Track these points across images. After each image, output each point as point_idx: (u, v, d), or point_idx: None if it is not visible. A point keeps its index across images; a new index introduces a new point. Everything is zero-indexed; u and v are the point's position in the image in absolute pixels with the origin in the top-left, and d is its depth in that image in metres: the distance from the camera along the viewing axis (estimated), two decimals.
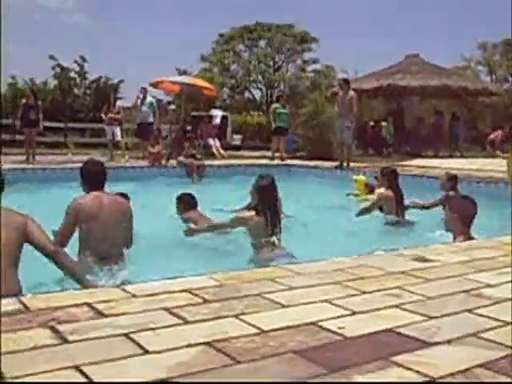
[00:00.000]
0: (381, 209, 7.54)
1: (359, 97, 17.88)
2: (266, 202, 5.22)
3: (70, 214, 4.56)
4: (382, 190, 7.83)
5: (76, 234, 4.65)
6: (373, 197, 8.84)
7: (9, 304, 2.54)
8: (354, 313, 2.52)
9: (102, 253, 4.52)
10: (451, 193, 7.56)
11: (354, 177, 10.37)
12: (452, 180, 7.89)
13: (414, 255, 3.74)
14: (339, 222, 7.45)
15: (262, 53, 35.83)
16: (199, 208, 6.75)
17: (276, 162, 15.16)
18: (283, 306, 2.60)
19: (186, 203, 6.71)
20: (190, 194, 6.88)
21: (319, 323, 2.37)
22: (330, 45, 51.08)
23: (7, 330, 2.22)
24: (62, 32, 52.93)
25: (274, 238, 5.19)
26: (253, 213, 5.23)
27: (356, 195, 9.81)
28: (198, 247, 5.96)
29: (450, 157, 18.93)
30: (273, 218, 5.19)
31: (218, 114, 21.28)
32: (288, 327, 2.31)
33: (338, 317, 2.46)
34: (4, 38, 35.60)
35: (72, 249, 4.55)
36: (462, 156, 19.22)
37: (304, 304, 2.64)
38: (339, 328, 2.31)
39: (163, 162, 13.89)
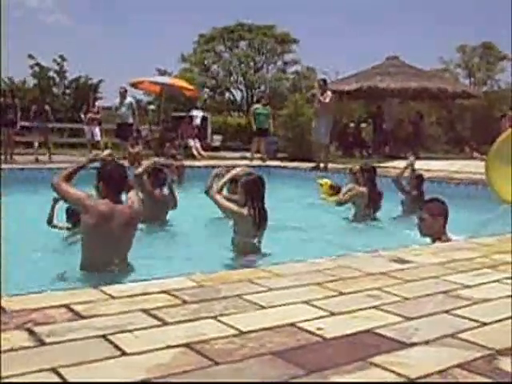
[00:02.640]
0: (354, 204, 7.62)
1: (340, 98, 17.97)
2: (253, 199, 5.16)
3: (84, 194, 4.43)
4: (352, 185, 7.91)
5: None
6: (332, 199, 8.90)
7: None
8: (332, 314, 2.53)
9: (105, 260, 4.40)
10: (414, 193, 7.70)
11: (319, 181, 10.34)
12: (417, 178, 8.03)
13: (392, 256, 3.76)
14: (315, 223, 7.49)
15: (243, 53, 35.86)
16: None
17: (256, 163, 15.16)
18: (262, 308, 2.59)
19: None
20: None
21: (298, 324, 2.37)
22: (311, 46, 51.23)
23: None
24: (41, 31, 52.50)
25: (256, 241, 5.17)
26: (245, 210, 5.16)
27: (323, 198, 9.80)
28: (175, 247, 5.95)
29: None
30: (259, 218, 5.15)
31: (198, 114, 21.25)
32: (267, 328, 2.31)
33: (317, 318, 2.46)
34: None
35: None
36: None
37: (283, 305, 2.64)
38: (318, 329, 2.31)
39: (142, 162, 13.82)
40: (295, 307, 2.62)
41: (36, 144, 14.90)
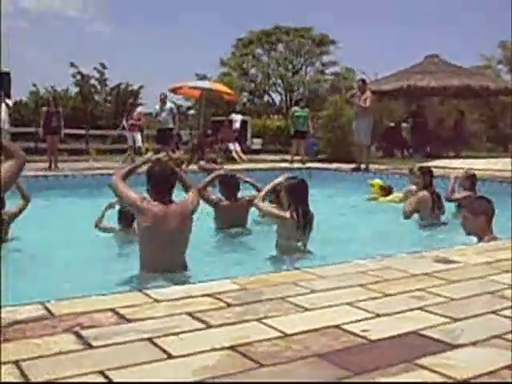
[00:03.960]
0: (417, 211, 7.40)
1: (379, 98, 17.82)
2: (296, 202, 5.16)
3: (139, 196, 4.44)
4: (412, 187, 7.75)
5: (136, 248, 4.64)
6: (393, 197, 8.80)
7: (33, 310, 2.57)
8: (377, 315, 2.51)
9: (165, 263, 4.40)
10: (469, 194, 7.45)
11: (370, 181, 10.32)
12: (471, 178, 7.75)
13: (436, 257, 3.72)
14: (359, 225, 7.42)
15: (281, 56, 35.86)
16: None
17: (296, 165, 15.14)
18: (306, 310, 2.59)
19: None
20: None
21: (343, 326, 2.36)
22: (349, 47, 50.94)
23: (32, 335, 2.24)
24: (82, 40, 53.39)
25: (300, 244, 5.16)
26: (288, 214, 5.17)
27: (374, 199, 9.75)
28: (219, 251, 5.97)
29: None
30: (302, 222, 5.14)
31: (237, 118, 21.33)
32: (311, 330, 2.31)
33: (362, 320, 2.45)
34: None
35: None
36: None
37: (327, 307, 2.63)
38: (363, 331, 2.30)
39: (183, 167, 13.93)
40: (339, 309, 2.61)
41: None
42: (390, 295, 2.83)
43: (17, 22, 55.25)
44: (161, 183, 4.54)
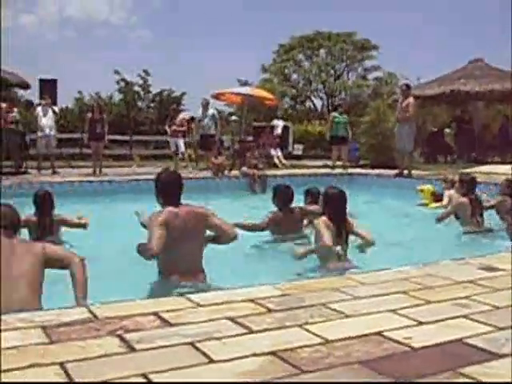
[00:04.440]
0: (457, 217, 7.36)
1: (422, 103, 17.60)
2: (333, 210, 5.19)
3: (157, 219, 4.37)
4: (451, 192, 7.70)
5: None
6: (441, 204, 8.72)
7: (78, 312, 2.62)
8: (420, 323, 2.49)
9: (183, 268, 4.38)
10: (503, 198, 7.37)
11: (420, 186, 10.21)
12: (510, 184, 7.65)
13: (481, 264, 3.66)
14: (400, 231, 7.35)
15: (323, 62, 35.78)
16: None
17: (338, 170, 15.07)
18: (348, 316, 2.58)
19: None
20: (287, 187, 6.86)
21: (385, 333, 2.34)
22: (392, 52, 50.47)
23: (77, 337, 2.28)
24: (126, 47, 54.14)
25: (338, 248, 5.15)
26: (325, 218, 5.17)
27: (425, 205, 9.64)
28: (260, 257, 5.98)
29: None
30: (339, 229, 5.14)
31: (279, 124, 21.35)
32: (353, 337, 2.30)
33: (404, 327, 2.43)
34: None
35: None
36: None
37: (369, 314, 2.62)
38: (405, 338, 2.28)
39: (226, 172, 14.01)
40: (382, 316, 2.59)
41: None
42: (434, 302, 2.80)
43: (63, 30, 56.36)
44: (169, 188, 4.59)
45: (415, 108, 13.62)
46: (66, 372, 1.94)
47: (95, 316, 2.57)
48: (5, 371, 1.94)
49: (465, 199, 7.27)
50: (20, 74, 15.86)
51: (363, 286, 3.11)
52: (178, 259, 4.40)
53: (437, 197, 9.43)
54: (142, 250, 4.29)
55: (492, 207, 7.45)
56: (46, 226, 6.09)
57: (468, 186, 7.44)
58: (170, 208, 4.47)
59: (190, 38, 54.39)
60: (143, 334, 2.34)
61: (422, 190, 9.98)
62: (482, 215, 7.29)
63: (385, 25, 50.10)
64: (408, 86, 14.35)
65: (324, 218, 5.17)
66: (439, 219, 7.36)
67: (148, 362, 2.04)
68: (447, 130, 21.28)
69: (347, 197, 5.37)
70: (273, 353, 2.12)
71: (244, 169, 13.58)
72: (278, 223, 6.40)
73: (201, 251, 4.61)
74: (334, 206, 5.22)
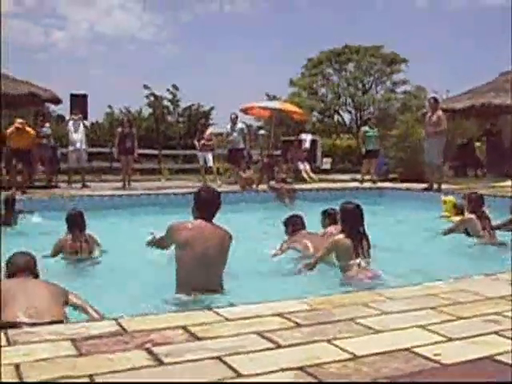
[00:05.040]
0: (468, 233, 7.49)
1: (451, 117, 17.45)
2: (351, 224, 5.33)
3: (167, 230, 4.60)
4: (466, 213, 7.85)
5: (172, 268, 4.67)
6: (456, 218, 8.71)
7: (107, 325, 2.64)
8: (450, 339, 2.46)
9: (199, 284, 4.39)
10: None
11: (443, 197, 10.14)
12: None
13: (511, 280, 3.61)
14: (431, 246, 7.29)
15: (351, 75, 35.73)
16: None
17: (367, 184, 15.00)
18: (376, 332, 2.56)
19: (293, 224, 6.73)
20: (297, 216, 6.89)
21: (414, 349, 2.32)
22: (420, 65, 50.16)
23: (106, 350, 2.30)
24: (155, 62, 54.70)
25: (359, 260, 5.20)
26: (342, 235, 5.33)
27: (446, 216, 9.55)
28: (286, 271, 5.96)
29: None
30: (358, 241, 5.26)
31: (307, 137, 21.35)
32: (382, 353, 2.28)
33: (434, 343, 2.40)
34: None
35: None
36: None
37: (397, 329, 2.60)
38: (435, 355, 2.25)
39: (254, 186, 14.02)
40: (410, 331, 2.57)
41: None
42: (464, 318, 2.76)
43: (94, 46, 57.20)
44: (206, 205, 4.67)
45: (444, 121, 13.52)
46: None
47: (124, 329, 2.59)
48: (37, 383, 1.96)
49: (472, 215, 7.50)
50: (52, 89, 16.07)
51: (392, 301, 3.09)
52: (194, 273, 4.43)
53: (458, 209, 9.34)
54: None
55: (503, 226, 7.68)
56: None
57: (475, 203, 7.65)
58: (198, 221, 4.57)
59: (218, 52, 54.71)
60: (171, 347, 2.35)
61: (444, 202, 9.91)
62: (492, 229, 7.41)
63: (413, 38, 49.96)
64: (436, 100, 14.25)
65: (340, 236, 5.32)
66: (445, 233, 7.68)
67: (176, 376, 2.05)
68: (477, 144, 21.08)
69: (363, 209, 5.46)
70: (300, 368, 2.11)
71: (272, 183, 13.59)
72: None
73: (220, 269, 4.63)
74: (351, 220, 5.36)
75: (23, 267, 3.91)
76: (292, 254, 6.39)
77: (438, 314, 2.83)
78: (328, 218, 6.75)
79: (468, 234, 7.48)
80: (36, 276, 3.98)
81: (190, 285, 4.41)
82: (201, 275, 4.44)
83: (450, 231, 7.66)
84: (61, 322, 3.21)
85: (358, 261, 5.22)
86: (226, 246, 4.63)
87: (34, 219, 8.75)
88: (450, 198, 10.05)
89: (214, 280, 4.54)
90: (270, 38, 54.76)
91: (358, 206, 5.49)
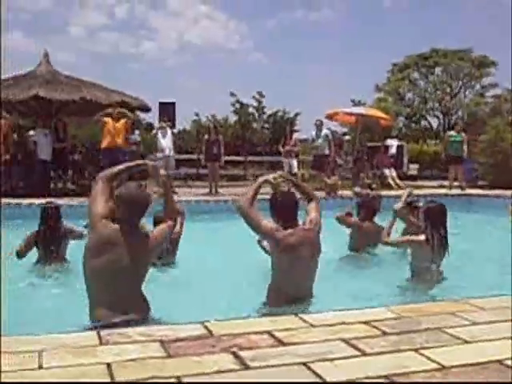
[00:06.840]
0: None
1: None
2: (434, 226, 5.10)
3: (273, 226, 4.41)
4: None
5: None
6: None
7: (194, 329, 2.69)
8: None
9: (294, 292, 4.30)
10: None
11: None
12: None
13: None
14: None
15: (439, 80, 35.01)
16: None
17: (455, 191, 14.63)
18: (466, 342, 2.50)
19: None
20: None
21: (505, 361, 2.25)
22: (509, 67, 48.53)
23: (193, 353, 2.35)
24: (242, 70, 55.44)
25: (434, 266, 5.08)
26: (423, 238, 5.11)
27: None
28: (363, 277, 5.91)
29: None
30: (439, 245, 5.05)
31: (393, 143, 21.05)
32: (471, 364, 2.22)
33: None
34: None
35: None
36: None
37: (488, 340, 2.53)
38: None
39: (339, 192, 13.93)
40: (501, 343, 2.49)
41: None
42: None
43: (182, 55, 58.57)
44: (284, 209, 4.51)
45: None
46: None
47: (210, 333, 2.63)
48: (127, 383, 2.03)
49: None
50: (141, 97, 16.52)
51: (482, 311, 3.00)
52: (290, 281, 4.34)
53: None
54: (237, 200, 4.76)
55: None
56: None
57: None
58: (290, 232, 4.38)
59: (302, 58, 54.86)
60: (257, 352, 2.37)
61: None
62: None
63: (503, 40, 48.40)
64: None
65: (421, 238, 5.13)
66: None
67: (262, 380, 2.07)
68: None
69: (447, 211, 5.27)
70: (386, 376, 2.09)
71: (357, 189, 13.47)
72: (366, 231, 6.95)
73: (314, 274, 4.50)
74: (434, 221, 5.14)
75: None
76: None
77: None
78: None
79: None
80: None
81: (290, 290, 4.32)
82: (296, 285, 4.35)
83: None
84: None
85: (433, 266, 5.09)
86: (317, 249, 4.51)
87: None
88: None
89: (309, 285, 4.47)
90: (356, 42, 54.42)
91: (442, 206, 5.30)
